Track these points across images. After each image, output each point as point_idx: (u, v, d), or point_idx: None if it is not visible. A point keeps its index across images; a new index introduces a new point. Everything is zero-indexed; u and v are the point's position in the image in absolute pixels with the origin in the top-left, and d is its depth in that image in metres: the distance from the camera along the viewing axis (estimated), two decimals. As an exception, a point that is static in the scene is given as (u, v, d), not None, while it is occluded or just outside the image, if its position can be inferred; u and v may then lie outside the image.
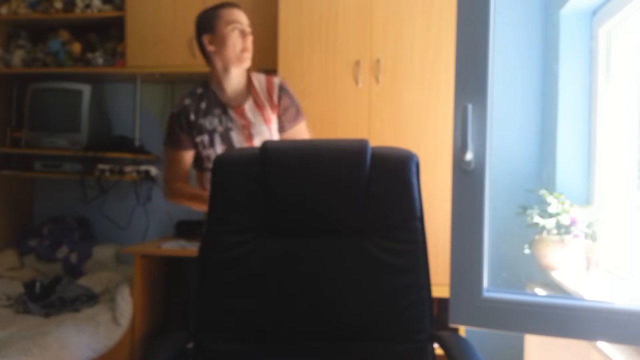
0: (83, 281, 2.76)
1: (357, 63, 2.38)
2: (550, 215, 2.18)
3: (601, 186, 2.24)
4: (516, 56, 2.62)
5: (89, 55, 2.99)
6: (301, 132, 1.99)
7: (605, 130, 2.24)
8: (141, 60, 2.85)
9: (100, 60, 2.96)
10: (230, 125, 1.92)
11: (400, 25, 2.36)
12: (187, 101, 1.95)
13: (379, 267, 1.35)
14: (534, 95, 2.62)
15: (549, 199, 2.21)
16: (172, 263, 2.85)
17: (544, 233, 2.17)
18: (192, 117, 1.92)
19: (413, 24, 2.35)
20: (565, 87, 2.37)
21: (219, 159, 1.42)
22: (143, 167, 2.98)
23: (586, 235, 2.15)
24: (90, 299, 2.63)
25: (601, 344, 1.56)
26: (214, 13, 1.92)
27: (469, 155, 1.22)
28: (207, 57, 1.94)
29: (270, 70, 2.53)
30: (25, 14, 3.02)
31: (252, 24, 2.76)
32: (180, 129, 1.93)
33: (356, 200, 1.35)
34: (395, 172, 1.37)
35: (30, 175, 3.21)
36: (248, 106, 1.93)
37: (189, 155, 1.97)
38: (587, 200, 2.30)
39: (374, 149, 1.38)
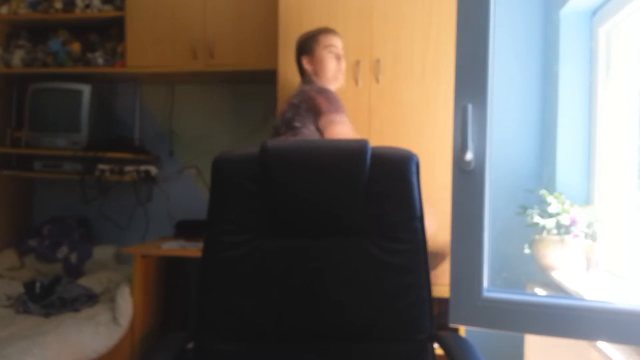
0: (83, 281, 2.76)
1: (357, 63, 2.38)
2: (550, 215, 2.18)
3: (601, 186, 2.24)
4: (516, 56, 2.62)
5: (89, 55, 2.99)
6: None
7: (605, 130, 2.24)
8: (141, 60, 2.85)
9: (100, 60, 2.96)
10: None
11: (400, 25, 2.36)
12: None
13: (378, 267, 1.35)
14: (534, 95, 2.62)
15: (549, 199, 2.21)
16: (172, 263, 2.85)
17: (544, 233, 2.17)
18: None
19: (413, 24, 2.35)
20: (565, 87, 2.37)
21: (219, 159, 1.42)
22: (143, 167, 2.98)
23: (586, 235, 2.15)
24: (90, 299, 2.63)
25: (601, 344, 1.56)
26: (313, 38, 2.15)
27: (469, 155, 1.23)
28: (305, 75, 2.15)
29: (270, 70, 2.54)
30: (25, 14, 3.02)
31: (252, 23, 2.78)
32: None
33: (356, 200, 1.35)
34: (395, 172, 1.37)
35: (30, 175, 3.21)
36: None
37: None
38: (587, 200, 2.30)
39: (374, 149, 1.38)
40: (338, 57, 2.14)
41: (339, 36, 2.18)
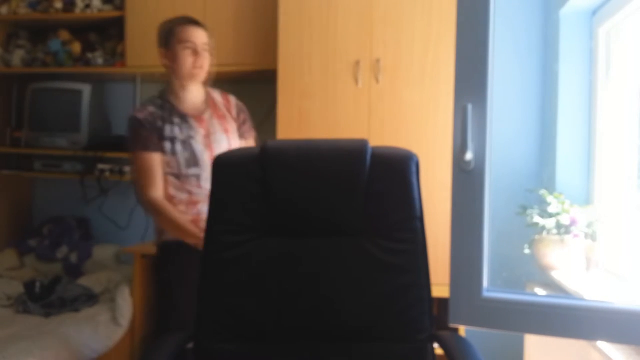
0: (83, 281, 2.76)
1: (357, 63, 2.38)
2: (550, 215, 2.18)
3: (601, 186, 2.24)
4: (516, 56, 2.62)
5: (89, 55, 2.99)
6: (253, 144, 2.16)
7: (605, 130, 2.24)
8: (141, 60, 2.85)
9: (100, 60, 2.96)
10: (191, 133, 1.98)
11: (400, 25, 2.36)
12: (152, 108, 1.99)
13: (379, 267, 1.35)
14: (534, 95, 2.62)
15: (549, 199, 2.21)
16: (172, 263, 2.84)
17: (544, 233, 2.17)
18: (159, 123, 1.96)
19: (413, 24, 2.35)
20: (565, 87, 2.37)
21: (219, 159, 1.42)
22: (143, 167, 2.97)
23: (586, 235, 2.14)
24: (90, 299, 2.63)
25: (601, 344, 1.56)
26: (170, 29, 1.99)
27: (469, 155, 1.22)
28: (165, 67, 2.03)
29: (270, 70, 2.54)
30: (25, 14, 3.02)
31: (252, 23, 2.77)
32: (148, 132, 1.94)
33: (356, 200, 1.35)
34: (395, 172, 1.37)
35: (30, 175, 3.21)
36: (207, 116, 2.03)
37: (160, 158, 1.95)
38: (587, 200, 2.30)
39: (374, 148, 1.38)
40: (195, 53, 1.95)
41: (201, 27, 2.00)
